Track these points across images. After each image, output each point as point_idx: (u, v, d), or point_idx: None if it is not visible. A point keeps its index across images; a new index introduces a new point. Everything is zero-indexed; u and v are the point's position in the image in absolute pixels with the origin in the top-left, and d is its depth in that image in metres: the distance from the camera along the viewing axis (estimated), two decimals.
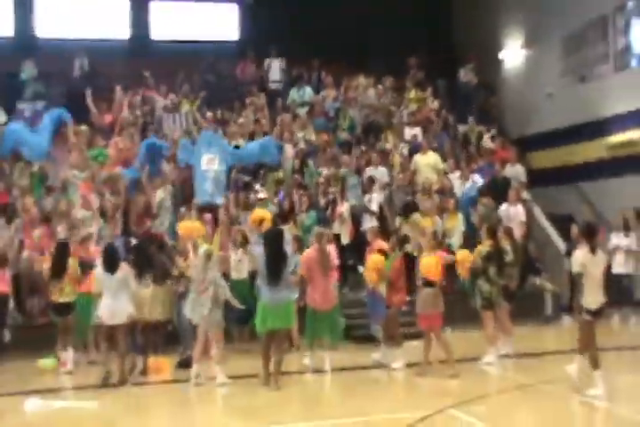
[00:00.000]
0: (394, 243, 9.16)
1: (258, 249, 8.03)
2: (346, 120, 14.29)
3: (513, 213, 11.62)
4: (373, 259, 9.06)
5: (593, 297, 7.21)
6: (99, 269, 8.37)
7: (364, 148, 13.48)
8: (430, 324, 8.36)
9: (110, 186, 11.09)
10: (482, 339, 8.97)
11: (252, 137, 12.82)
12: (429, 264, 8.38)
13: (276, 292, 7.79)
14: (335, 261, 9.22)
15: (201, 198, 10.44)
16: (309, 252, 8.79)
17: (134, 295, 8.45)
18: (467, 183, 12.56)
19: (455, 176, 12.78)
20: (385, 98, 15.02)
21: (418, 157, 12.97)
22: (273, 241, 7.87)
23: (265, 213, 8.94)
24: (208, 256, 8.21)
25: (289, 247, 8.12)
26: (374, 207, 11.83)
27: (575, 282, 7.41)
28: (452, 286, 11.41)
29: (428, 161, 12.86)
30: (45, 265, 9.20)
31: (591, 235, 7.27)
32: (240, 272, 9.83)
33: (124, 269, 8.34)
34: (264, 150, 11.66)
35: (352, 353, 9.48)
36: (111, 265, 8.29)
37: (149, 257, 8.89)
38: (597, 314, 7.28)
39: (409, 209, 11.39)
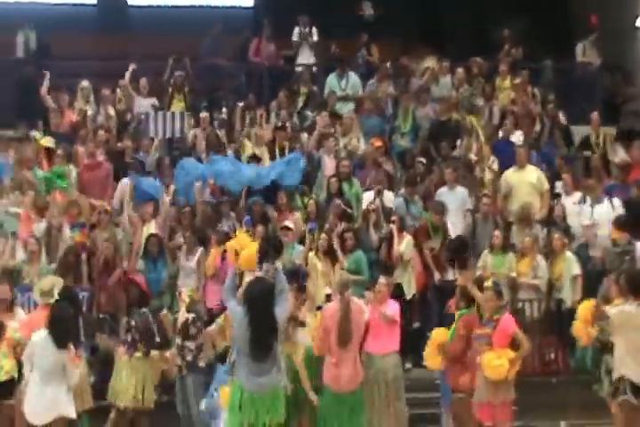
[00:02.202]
0: (457, 299, 9.36)
1: (236, 307, 7.90)
2: (407, 120, 14.62)
3: None
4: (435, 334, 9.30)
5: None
6: (37, 339, 8.48)
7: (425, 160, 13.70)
8: (492, 417, 8.60)
9: (73, 216, 11.57)
10: None
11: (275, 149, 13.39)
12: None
13: (259, 373, 7.76)
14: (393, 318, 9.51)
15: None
16: (330, 307, 9.00)
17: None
18: (599, 207, 12.56)
19: (571, 200, 12.92)
20: (465, 88, 15.31)
21: (510, 174, 13.12)
22: (258, 299, 7.77)
23: (244, 242, 8.41)
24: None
25: (283, 307, 7.94)
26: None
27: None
28: (565, 362, 11.61)
29: (527, 179, 12.97)
30: None
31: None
32: None
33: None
34: (287, 170, 12.20)
35: None
36: (59, 335, 8.43)
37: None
38: None
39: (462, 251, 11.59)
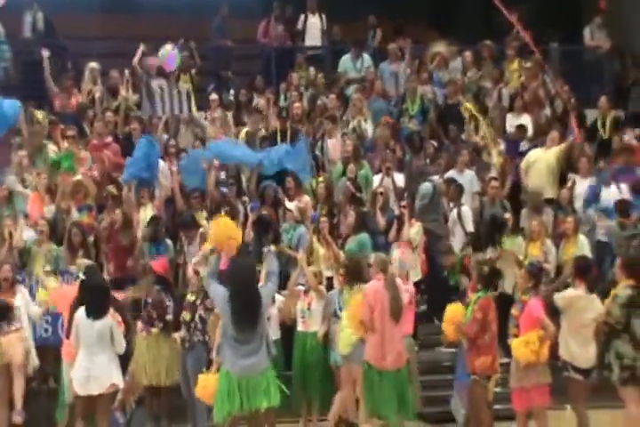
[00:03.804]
0: (474, 281, 9.40)
1: (218, 287, 7.87)
2: (415, 103, 14.60)
3: None
4: (452, 308, 9.31)
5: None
6: (79, 314, 8.75)
7: (436, 143, 13.71)
8: (528, 402, 8.69)
9: (79, 199, 11.54)
10: (619, 425, 8.93)
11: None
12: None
13: (245, 354, 7.63)
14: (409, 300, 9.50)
15: None
16: (374, 285, 8.97)
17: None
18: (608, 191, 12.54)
19: (586, 184, 12.91)
20: (474, 71, 15.35)
21: (534, 153, 13.06)
22: (241, 276, 7.73)
23: (228, 228, 8.31)
24: None
25: (269, 286, 7.96)
26: (469, 227, 11.94)
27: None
28: None
29: (544, 158, 12.89)
30: None
31: (585, 272, 8.96)
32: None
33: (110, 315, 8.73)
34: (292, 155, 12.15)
35: None
36: (96, 306, 8.67)
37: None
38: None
39: (498, 230, 11.54)
